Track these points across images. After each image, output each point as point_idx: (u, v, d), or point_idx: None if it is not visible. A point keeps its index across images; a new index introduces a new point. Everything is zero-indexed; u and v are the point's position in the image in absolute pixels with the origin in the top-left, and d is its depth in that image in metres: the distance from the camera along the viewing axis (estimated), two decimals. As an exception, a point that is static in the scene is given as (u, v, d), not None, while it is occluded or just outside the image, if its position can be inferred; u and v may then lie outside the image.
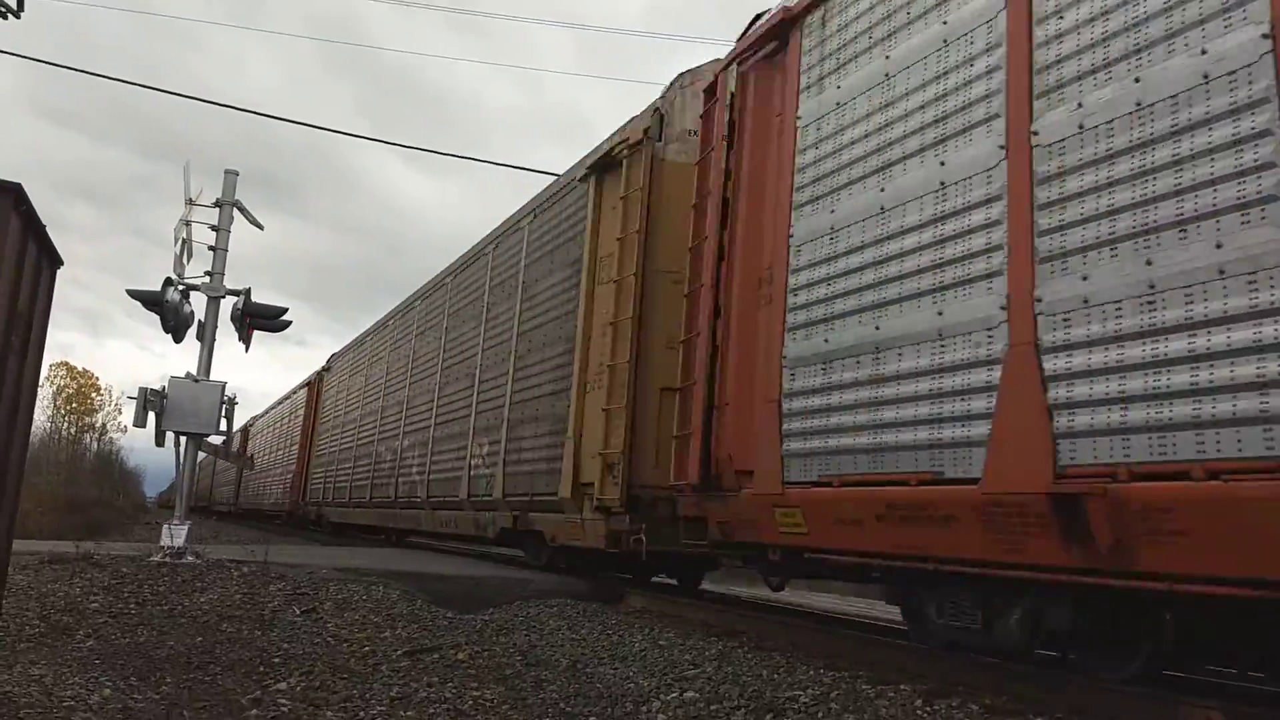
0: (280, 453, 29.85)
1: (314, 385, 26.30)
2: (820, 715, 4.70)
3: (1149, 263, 4.18)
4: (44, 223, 4.38)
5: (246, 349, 11.36)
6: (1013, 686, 4.90)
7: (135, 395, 10.23)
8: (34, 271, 4.44)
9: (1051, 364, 4.54)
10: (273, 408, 35.71)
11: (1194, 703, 4.20)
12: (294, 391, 30.16)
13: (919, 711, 4.59)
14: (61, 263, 4.90)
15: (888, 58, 6.01)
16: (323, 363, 26.16)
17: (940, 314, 5.25)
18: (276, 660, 5.76)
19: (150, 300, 10.48)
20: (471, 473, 12.64)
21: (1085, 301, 4.43)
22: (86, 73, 43.30)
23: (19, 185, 3.98)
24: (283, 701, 4.85)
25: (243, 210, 11.08)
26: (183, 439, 10.57)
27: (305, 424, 26.03)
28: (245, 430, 38.81)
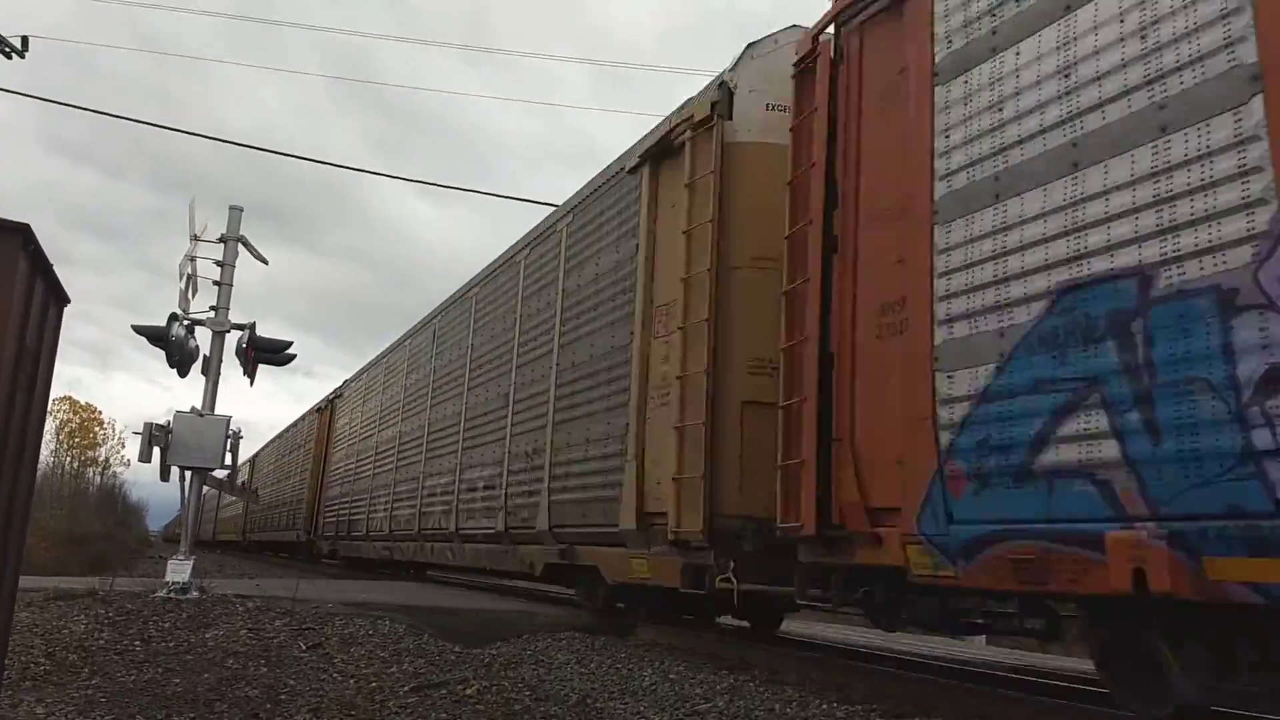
0: (290, 482, 29.92)
1: (325, 412, 26.02)
2: (834, 750, 4.64)
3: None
4: (51, 261, 4.38)
5: (251, 383, 11.37)
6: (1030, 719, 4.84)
7: (140, 430, 10.22)
8: (41, 310, 4.43)
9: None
10: (280, 437, 35.75)
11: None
12: (303, 419, 30.19)
13: (934, 745, 4.53)
14: (68, 300, 4.89)
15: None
16: (334, 389, 26.01)
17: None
18: (283, 697, 5.70)
19: (155, 336, 10.48)
20: (509, 502, 11.73)
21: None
22: (91, 110, 43.65)
23: (27, 225, 3.98)
24: (290, 740, 4.81)
25: (247, 245, 11.11)
26: (188, 474, 10.54)
27: (317, 451, 25.62)
28: (252, 461, 39.07)
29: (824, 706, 5.51)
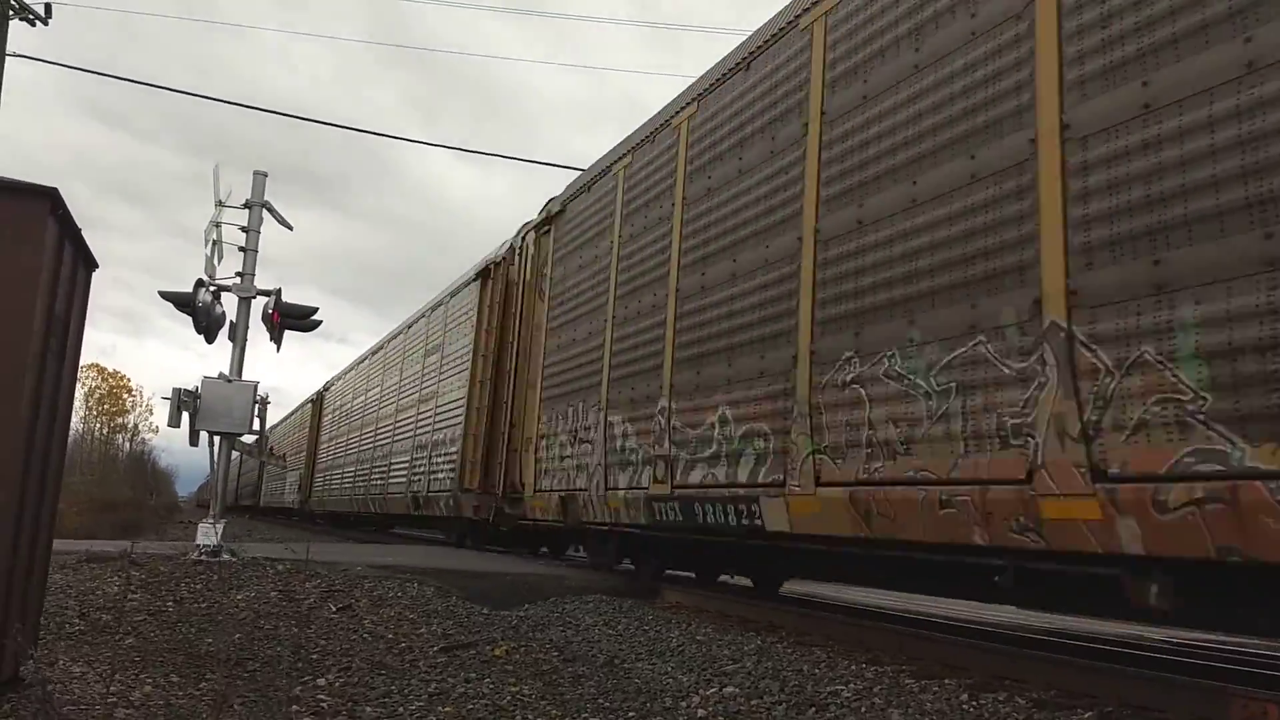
0: (403, 423, 19.21)
1: (493, 282, 14.69)
2: (864, 710, 4.64)
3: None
4: (79, 226, 4.39)
5: (278, 349, 11.40)
6: (1061, 679, 4.82)
7: (169, 396, 10.31)
8: (70, 275, 4.44)
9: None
10: (366, 360, 25.20)
11: (1249, 693, 4.10)
12: (429, 314, 18.71)
13: (964, 706, 4.52)
14: (96, 265, 4.91)
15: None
16: (521, 227, 14.17)
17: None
18: (315, 657, 5.77)
19: (182, 302, 10.53)
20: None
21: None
22: (116, 77, 43.79)
23: (55, 190, 3.98)
24: (323, 698, 4.86)
25: (272, 211, 11.11)
26: (216, 439, 10.64)
27: (487, 346, 14.51)
28: (317, 401, 32.02)
29: (853, 667, 5.50)
